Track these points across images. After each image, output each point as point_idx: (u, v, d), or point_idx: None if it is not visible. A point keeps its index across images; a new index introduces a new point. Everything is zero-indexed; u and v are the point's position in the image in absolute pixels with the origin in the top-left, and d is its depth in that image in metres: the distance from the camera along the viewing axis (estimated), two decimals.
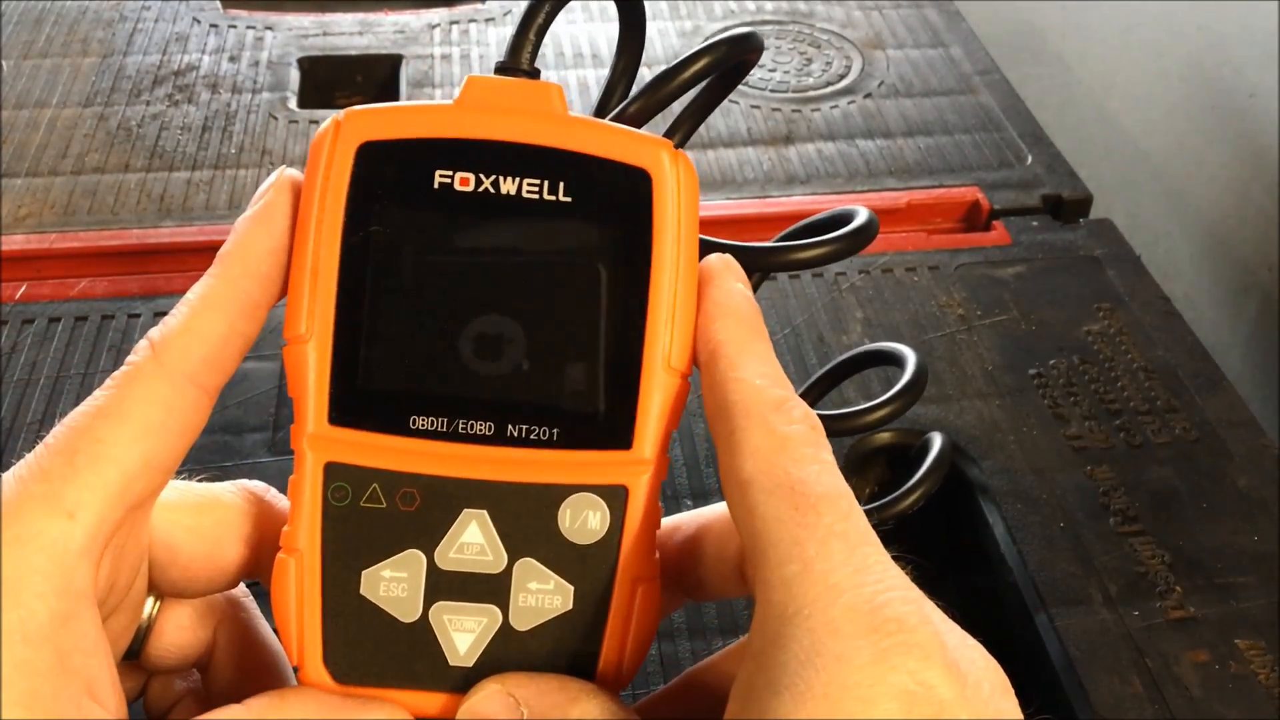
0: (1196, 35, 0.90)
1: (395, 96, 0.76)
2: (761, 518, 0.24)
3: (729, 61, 0.31)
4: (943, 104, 0.76)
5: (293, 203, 0.27)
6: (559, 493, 0.27)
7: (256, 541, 0.28)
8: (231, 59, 0.78)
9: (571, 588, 0.27)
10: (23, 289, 0.60)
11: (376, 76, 0.80)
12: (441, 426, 0.27)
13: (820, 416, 0.38)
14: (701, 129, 0.73)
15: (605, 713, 0.26)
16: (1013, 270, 0.63)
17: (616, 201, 0.27)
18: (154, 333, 0.26)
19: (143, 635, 0.29)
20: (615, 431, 0.27)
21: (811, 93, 0.77)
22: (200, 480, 0.29)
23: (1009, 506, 0.50)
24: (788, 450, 0.25)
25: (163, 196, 0.66)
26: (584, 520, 0.27)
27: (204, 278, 0.27)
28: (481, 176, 0.27)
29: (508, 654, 0.27)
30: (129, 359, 0.26)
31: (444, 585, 0.27)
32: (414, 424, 0.27)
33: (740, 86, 0.77)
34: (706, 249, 0.30)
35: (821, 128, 0.73)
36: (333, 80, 0.79)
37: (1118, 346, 0.58)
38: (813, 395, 0.43)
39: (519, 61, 0.29)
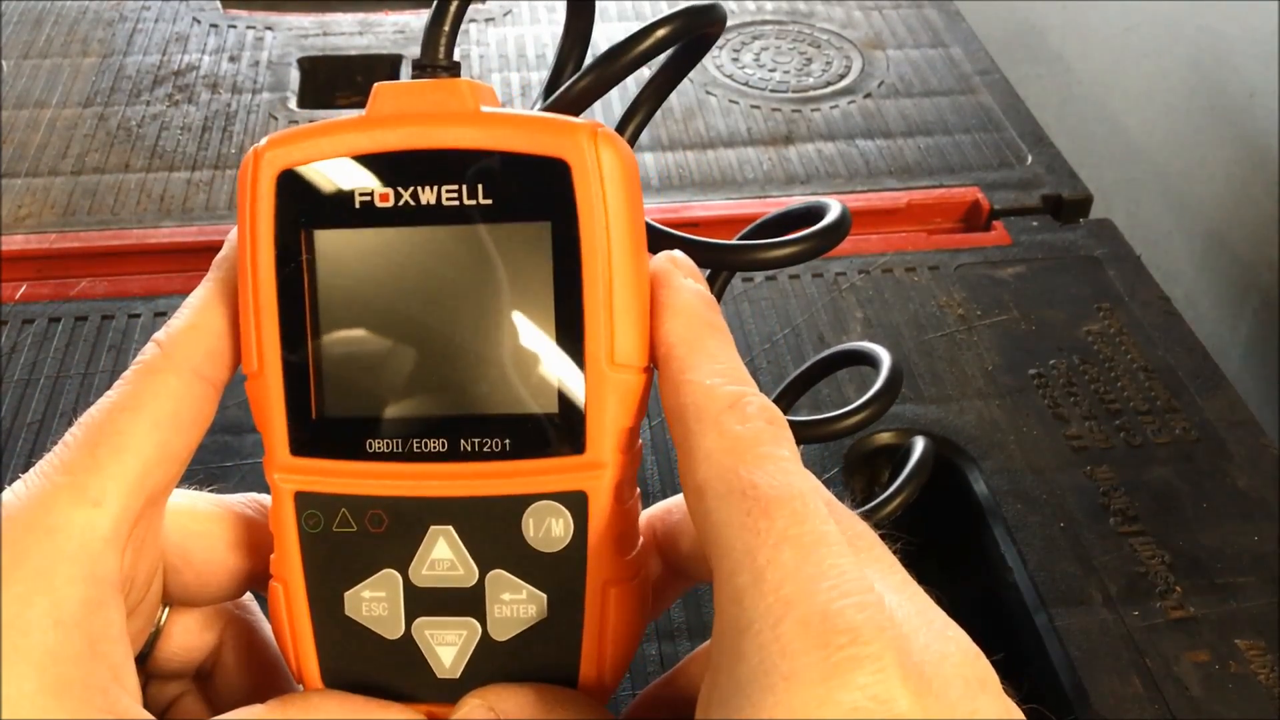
0: (1196, 35, 0.90)
1: None
2: (714, 524, 0.24)
3: (687, 34, 0.29)
4: (943, 104, 0.76)
5: None
6: (520, 503, 0.27)
7: (265, 552, 0.29)
8: (231, 59, 0.78)
9: (544, 596, 0.27)
10: (23, 289, 0.60)
11: (376, 76, 0.80)
12: (397, 447, 0.27)
13: (794, 423, 0.38)
14: (701, 128, 0.73)
15: None
16: (1013, 270, 0.63)
17: (538, 198, 0.26)
18: (160, 334, 0.27)
19: (152, 640, 0.29)
20: (566, 437, 0.26)
21: (811, 93, 0.77)
22: (210, 490, 0.30)
23: (1009, 506, 0.50)
24: (740, 451, 0.24)
25: (163, 196, 0.66)
26: (547, 528, 0.27)
27: (202, 282, 0.28)
28: (400, 190, 0.26)
29: (492, 664, 0.27)
30: (138, 358, 0.27)
31: (422, 601, 0.27)
32: (370, 447, 0.27)
33: (740, 86, 0.78)
34: (669, 244, 0.29)
35: (821, 128, 0.73)
36: (333, 80, 0.79)
37: (1118, 346, 0.58)
38: (788, 399, 0.43)
39: (435, 58, 0.28)
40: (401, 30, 0.82)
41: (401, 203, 0.26)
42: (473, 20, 0.83)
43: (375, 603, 0.27)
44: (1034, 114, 0.76)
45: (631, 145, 0.29)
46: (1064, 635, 0.45)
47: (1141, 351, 0.58)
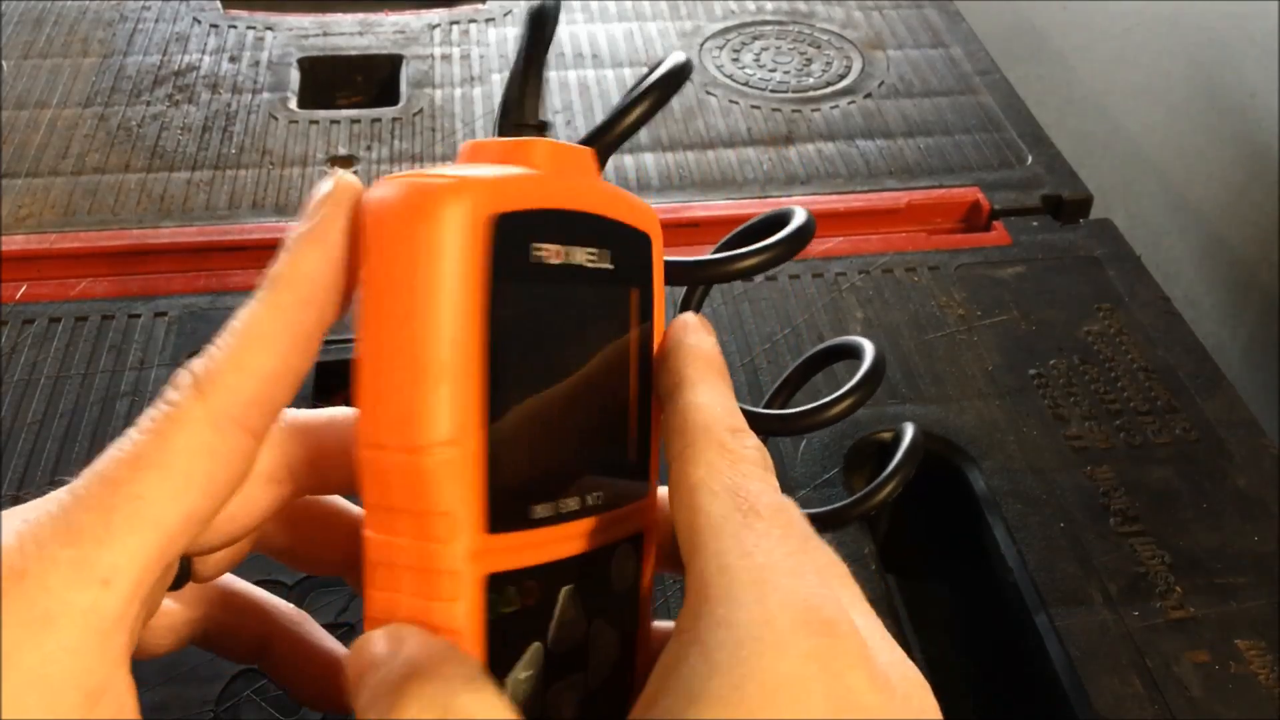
0: (1196, 35, 0.90)
1: (395, 97, 0.76)
2: (706, 514, 0.24)
3: (669, 99, 0.30)
4: (943, 104, 0.76)
5: (351, 218, 0.24)
6: (609, 550, 0.27)
7: (278, 476, 0.26)
8: (232, 59, 0.78)
9: (618, 634, 0.28)
10: (23, 289, 0.60)
11: (377, 76, 0.80)
12: (551, 511, 0.25)
13: (784, 415, 0.39)
14: (702, 129, 0.73)
15: (469, 677, 0.23)
16: (1013, 270, 0.63)
17: (635, 265, 0.28)
18: (197, 365, 0.24)
19: (186, 569, 0.27)
20: (641, 483, 0.28)
21: (811, 93, 0.77)
22: None
23: (1009, 506, 0.50)
24: (739, 467, 0.26)
25: (163, 197, 0.66)
26: (623, 569, 0.28)
27: (252, 302, 0.24)
28: (563, 248, 0.25)
29: (589, 714, 0.27)
30: (169, 395, 0.24)
31: (555, 668, 0.26)
32: (535, 514, 0.25)
33: (740, 86, 0.78)
34: None
35: (821, 128, 0.73)
36: (333, 80, 0.79)
37: (1118, 346, 0.58)
38: (781, 397, 0.43)
39: (527, 118, 0.28)
40: (401, 30, 0.82)
41: (563, 261, 0.26)
42: (473, 20, 0.83)
43: (527, 682, 0.25)
44: (1034, 114, 0.76)
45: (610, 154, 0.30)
46: (1064, 635, 0.45)
47: (1141, 351, 0.58)
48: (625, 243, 0.27)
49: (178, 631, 0.30)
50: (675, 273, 0.31)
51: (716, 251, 0.35)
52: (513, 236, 0.24)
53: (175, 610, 0.30)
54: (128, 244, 0.63)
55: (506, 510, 0.24)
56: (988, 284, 0.62)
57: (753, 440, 0.27)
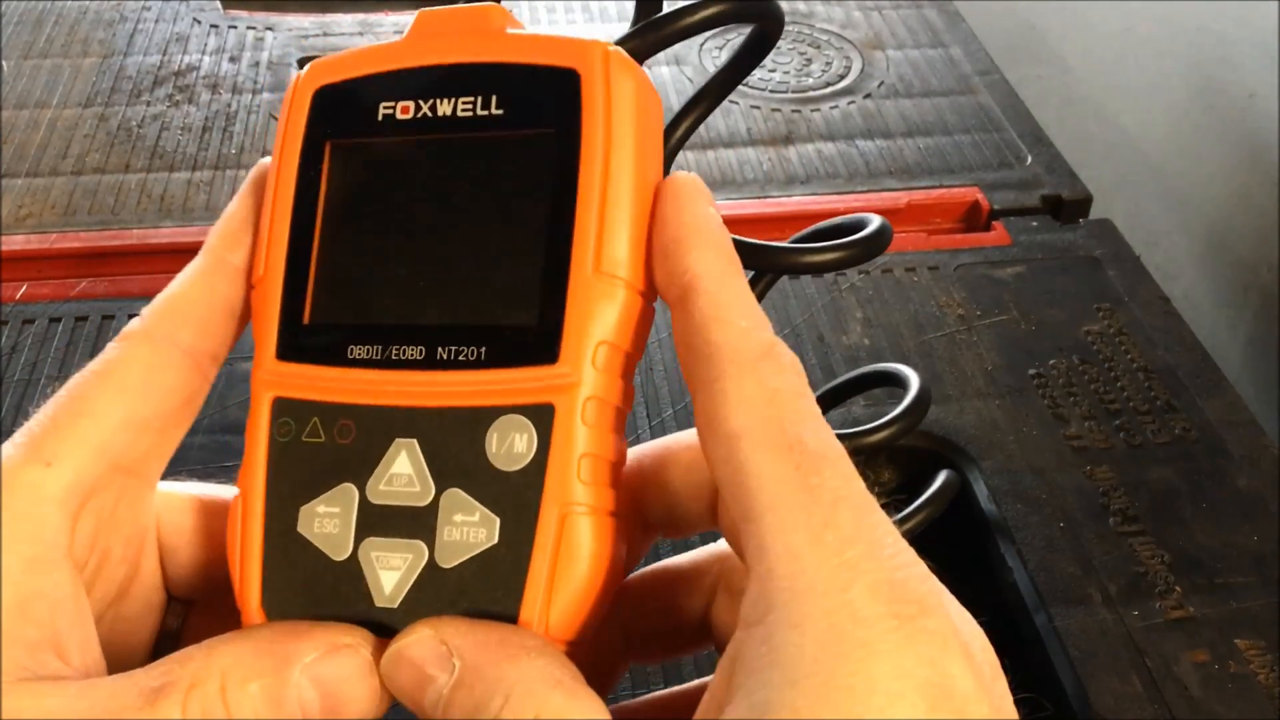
0: (1196, 35, 0.90)
1: None
2: (757, 476, 0.22)
3: (733, 19, 0.30)
4: (943, 104, 0.76)
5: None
6: (487, 416, 0.25)
7: None
8: (232, 59, 0.78)
9: (497, 520, 0.24)
10: (23, 289, 0.60)
11: None
12: (376, 354, 0.26)
13: None
14: (701, 129, 0.73)
15: (546, 675, 0.23)
16: (1012, 270, 0.63)
17: (547, 107, 0.26)
18: (146, 307, 0.28)
19: (170, 643, 0.28)
20: (540, 346, 0.25)
21: (811, 93, 0.77)
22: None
23: (1009, 506, 0.50)
24: (781, 403, 0.23)
25: (163, 197, 0.66)
26: (510, 444, 0.25)
27: (197, 255, 0.28)
28: (420, 102, 0.27)
29: (433, 593, 0.25)
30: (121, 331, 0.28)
31: (374, 520, 0.25)
32: (351, 354, 0.26)
33: (740, 87, 0.77)
34: None
35: (821, 128, 0.73)
36: None
37: (1118, 346, 0.58)
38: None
39: None
40: (401, 30, 0.81)
41: (420, 114, 0.27)
42: None
43: (328, 519, 0.25)
44: (1034, 114, 0.76)
45: (680, 146, 0.30)
46: (1064, 635, 0.45)
47: (1141, 351, 0.58)
48: (531, 85, 0.26)
49: None
50: (745, 258, 0.28)
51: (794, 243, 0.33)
52: (343, 101, 0.27)
53: None
54: (128, 244, 0.63)
55: (301, 342, 0.26)
56: (987, 284, 0.62)
57: (786, 355, 0.24)
